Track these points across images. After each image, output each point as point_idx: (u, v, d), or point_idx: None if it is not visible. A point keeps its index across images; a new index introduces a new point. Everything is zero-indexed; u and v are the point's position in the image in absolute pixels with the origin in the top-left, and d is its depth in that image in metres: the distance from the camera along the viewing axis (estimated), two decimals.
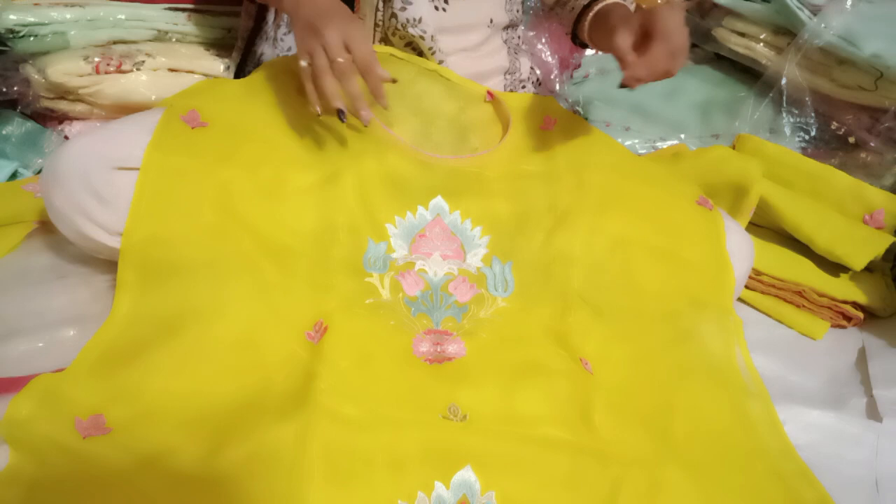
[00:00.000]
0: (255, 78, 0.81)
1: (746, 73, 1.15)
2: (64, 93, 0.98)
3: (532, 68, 0.96)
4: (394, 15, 0.80)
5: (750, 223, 0.93)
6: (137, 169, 0.68)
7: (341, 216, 0.72)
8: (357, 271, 0.70)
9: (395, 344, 0.66)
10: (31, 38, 0.94)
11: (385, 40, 0.82)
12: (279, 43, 0.90)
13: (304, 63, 0.70)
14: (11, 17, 0.92)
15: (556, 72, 1.18)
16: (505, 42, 0.89)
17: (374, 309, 0.69)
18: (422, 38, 0.80)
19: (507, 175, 0.79)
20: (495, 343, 0.68)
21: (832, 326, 0.88)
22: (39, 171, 0.97)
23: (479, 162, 0.79)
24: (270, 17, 0.92)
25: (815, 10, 1.00)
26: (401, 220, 0.74)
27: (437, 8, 0.81)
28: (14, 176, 0.96)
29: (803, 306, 0.89)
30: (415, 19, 0.80)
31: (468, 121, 0.82)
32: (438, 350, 0.67)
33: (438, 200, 0.76)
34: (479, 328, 0.69)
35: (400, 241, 0.73)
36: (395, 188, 0.75)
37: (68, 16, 0.95)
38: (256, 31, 0.96)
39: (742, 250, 0.80)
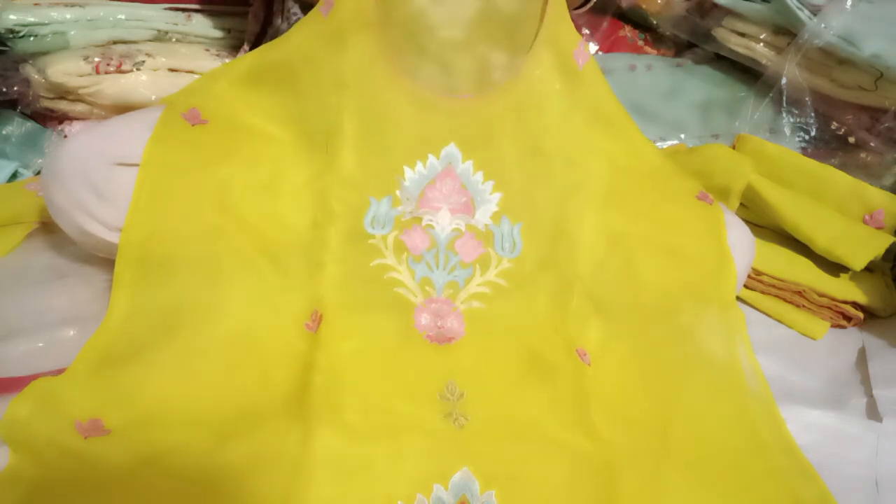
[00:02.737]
0: (258, 71, 0.79)
1: (746, 73, 1.15)
2: (64, 93, 0.98)
3: None
4: None
5: (750, 223, 0.93)
6: (137, 165, 0.68)
7: (336, 190, 0.70)
8: (360, 235, 0.69)
9: (396, 319, 0.66)
10: (31, 38, 0.93)
11: None
12: None
13: None
14: (11, 17, 0.91)
15: None
16: None
17: (378, 271, 0.68)
18: None
19: (522, 123, 0.73)
20: (494, 325, 0.68)
21: (832, 326, 0.88)
22: (40, 172, 0.97)
23: (500, 97, 0.73)
24: (278, 20, 0.92)
25: (815, 10, 1.00)
26: (410, 171, 0.71)
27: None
28: (14, 176, 0.96)
29: (803, 306, 0.89)
30: None
31: (501, 26, 0.72)
32: (438, 325, 0.67)
33: (451, 148, 0.72)
34: (480, 299, 0.69)
35: (409, 193, 0.71)
36: (402, 142, 0.72)
37: (68, 16, 0.95)
38: (262, 35, 0.96)
39: (743, 245, 0.80)
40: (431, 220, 0.71)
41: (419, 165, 0.71)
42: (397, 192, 0.70)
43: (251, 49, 0.96)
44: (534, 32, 0.72)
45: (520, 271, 0.71)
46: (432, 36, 0.71)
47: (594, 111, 0.77)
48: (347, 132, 0.70)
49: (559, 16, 0.73)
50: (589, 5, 0.81)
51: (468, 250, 0.71)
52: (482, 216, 0.72)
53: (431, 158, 0.72)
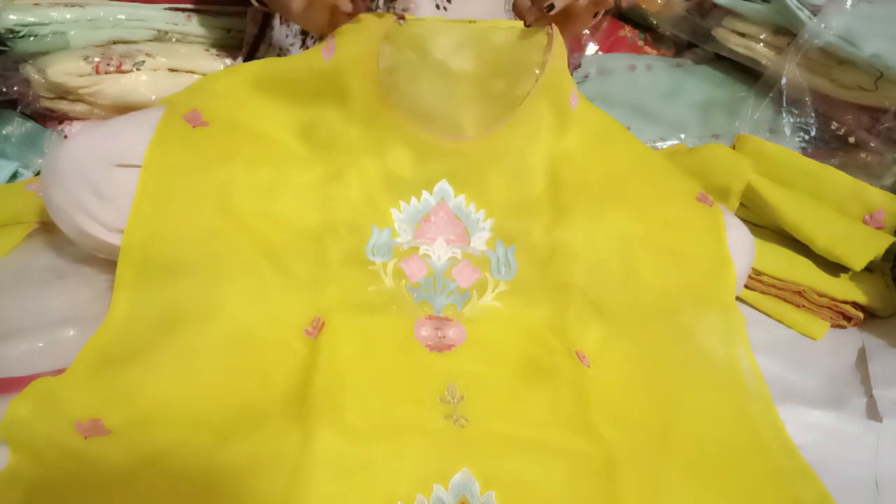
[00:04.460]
0: (263, 80, 0.79)
1: (746, 73, 1.15)
2: (64, 93, 0.98)
3: None
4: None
5: (750, 223, 0.93)
6: (137, 166, 0.68)
7: (342, 212, 0.71)
8: (360, 261, 0.70)
9: (396, 328, 0.67)
10: (31, 38, 0.94)
11: None
12: (283, 53, 0.90)
13: None
14: (11, 17, 0.92)
15: None
16: None
17: (377, 296, 0.69)
18: None
19: (515, 156, 0.76)
20: (495, 333, 0.68)
21: (832, 326, 0.88)
22: (40, 172, 0.97)
23: (492, 139, 0.75)
24: (276, 22, 0.92)
25: (815, 10, 1.00)
26: (405, 205, 0.74)
27: (438, 7, 0.81)
28: (14, 176, 0.97)
29: (803, 306, 0.89)
30: None
31: (497, 75, 0.76)
32: (439, 335, 0.67)
33: (443, 184, 0.74)
34: (479, 316, 0.70)
35: (405, 225, 0.73)
36: (398, 179, 0.74)
37: (68, 16, 0.95)
38: (261, 37, 0.96)
39: (743, 246, 0.80)
40: (428, 250, 0.72)
41: (413, 200, 0.74)
42: (395, 225, 0.73)
43: (249, 51, 0.96)
44: (532, 82, 0.75)
45: (516, 292, 0.71)
46: (436, 84, 0.74)
47: (586, 134, 0.79)
48: (352, 161, 0.72)
49: (559, 69, 0.76)
50: (598, 18, 0.82)
51: (465, 276, 0.72)
52: (477, 243, 0.73)
53: (425, 194, 0.74)
